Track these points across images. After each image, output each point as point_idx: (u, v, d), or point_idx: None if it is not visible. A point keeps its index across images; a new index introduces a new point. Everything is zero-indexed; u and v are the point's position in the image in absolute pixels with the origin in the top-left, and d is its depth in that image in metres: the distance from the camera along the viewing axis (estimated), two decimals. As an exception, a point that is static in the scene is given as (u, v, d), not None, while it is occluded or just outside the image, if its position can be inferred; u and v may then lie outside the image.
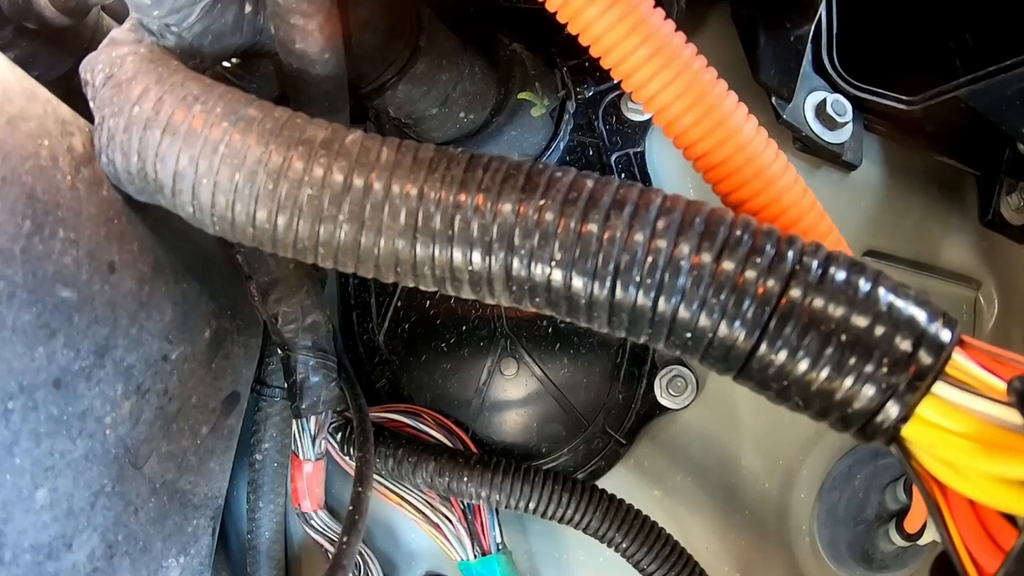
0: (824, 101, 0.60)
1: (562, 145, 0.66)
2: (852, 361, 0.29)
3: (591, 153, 0.67)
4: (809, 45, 0.59)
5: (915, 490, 0.54)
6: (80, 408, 0.41)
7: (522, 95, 0.62)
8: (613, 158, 0.66)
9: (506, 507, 0.61)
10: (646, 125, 0.67)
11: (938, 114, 0.58)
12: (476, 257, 0.33)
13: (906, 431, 0.30)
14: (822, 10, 0.58)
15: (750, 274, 0.30)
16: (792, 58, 0.59)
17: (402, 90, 0.55)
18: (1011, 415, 0.27)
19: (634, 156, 0.66)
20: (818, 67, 0.62)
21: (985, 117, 0.55)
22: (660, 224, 0.32)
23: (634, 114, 0.66)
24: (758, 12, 0.61)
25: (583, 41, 0.38)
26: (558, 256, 0.32)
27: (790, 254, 0.31)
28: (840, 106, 0.61)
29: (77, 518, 0.42)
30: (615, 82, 0.38)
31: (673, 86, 0.37)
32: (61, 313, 0.39)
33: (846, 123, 0.61)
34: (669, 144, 0.40)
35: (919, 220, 0.68)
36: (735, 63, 0.62)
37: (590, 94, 0.67)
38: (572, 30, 0.38)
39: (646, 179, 0.66)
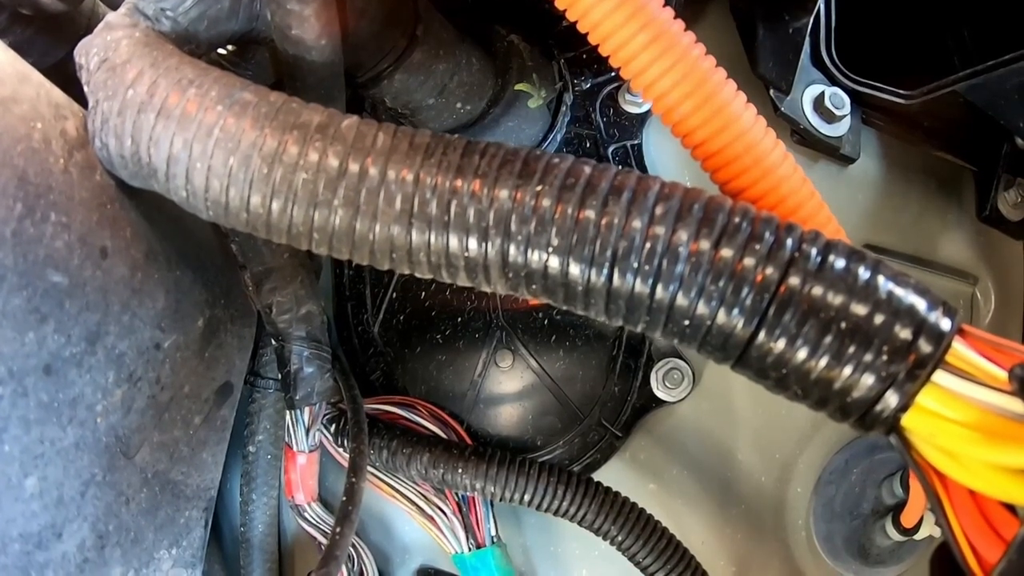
0: (822, 94, 0.60)
1: (559, 137, 0.66)
2: (851, 349, 0.29)
3: (588, 145, 0.66)
4: (807, 38, 0.59)
5: (912, 484, 0.54)
6: (71, 395, 0.41)
7: (519, 86, 0.62)
8: (610, 150, 0.66)
9: (501, 499, 0.61)
10: (643, 117, 0.66)
11: (936, 109, 0.58)
12: (472, 243, 0.33)
13: (906, 420, 0.29)
14: (820, 3, 0.58)
15: (749, 261, 0.30)
16: (790, 51, 0.59)
17: (398, 79, 0.54)
18: (1012, 403, 0.27)
19: (631, 148, 0.66)
20: (816, 60, 0.61)
21: (983, 112, 0.55)
22: (658, 211, 0.31)
23: (631, 106, 0.66)
24: (756, 4, 0.61)
25: (582, 28, 0.38)
26: (555, 242, 0.32)
27: (789, 241, 0.30)
28: (838, 99, 0.61)
29: (67, 507, 0.42)
30: (612, 74, 0.38)
31: (672, 73, 0.37)
32: (52, 298, 0.38)
33: (844, 116, 0.61)
34: (666, 137, 0.40)
35: (917, 215, 0.68)
36: (733, 55, 0.62)
37: (587, 86, 0.67)
38: (570, 17, 0.37)
39: (643, 172, 0.65)
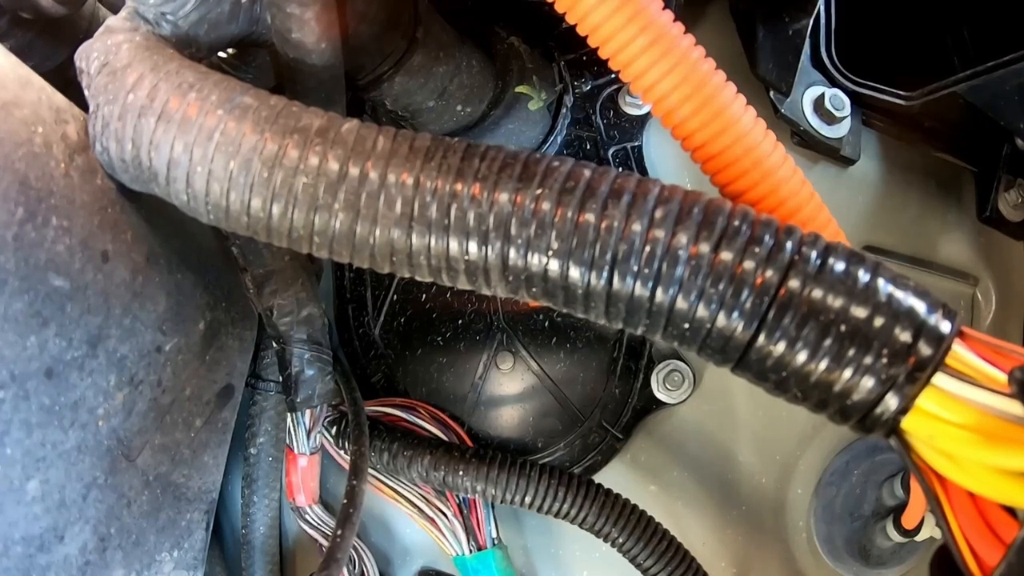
0: (822, 96, 0.60)
1: (559, 139, 0.66)
2: (851, 352, 0.29)
3: (588, 147, 0.66)
4: (807, 39, 0.59)
5: (913, 485, 0.54)
6: (72, 399, 0.41)
7: (519, 88, 0.62)
8: (610, 152, 0.66)
9: (502, 502, 0.61)
10: (644, 119, 0.66)
11: (936, 109, 0.58)
12: (472, 247, 0.33)
13: (906, 423, 0.29)
14: (820, 4, 0.58)
15: (748, 264, 0.30)
16: (790, 52, 0.59)
17: (399, 82, 0.54)
18: (1012, 406, 0.27)
19: (632, 150, 0.66)
20: (816, 61, 0.61)
21: (983, 113, 0.55)
22: (658, 214, 0.31)
23: (632, 108, 0.66)
24: (756, 6, 0.61)
25: (581, 31, 0.38)
26: (555, 245, 0.32)
27: (788, 244, 0.30)
28: (838, 101, 0.61)
29: (69, 510, 0.42)
30: (613, 76, 0.38)
31: (671, 76, 0.36)
32: (53, 302, 0.38)
33: (844, 118, 0.61)
34: (667, 138, 0.40)
35: (917, 216, 0.68)
36: (733, 57, 0.62)
37: (588, 88, 0.67)
38: (570, 20, 0.37)
39: (643, 174, 0.66)
